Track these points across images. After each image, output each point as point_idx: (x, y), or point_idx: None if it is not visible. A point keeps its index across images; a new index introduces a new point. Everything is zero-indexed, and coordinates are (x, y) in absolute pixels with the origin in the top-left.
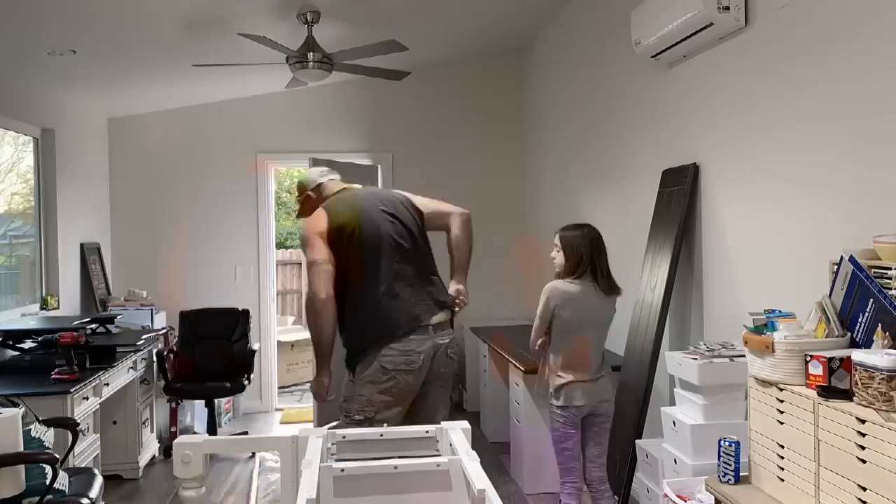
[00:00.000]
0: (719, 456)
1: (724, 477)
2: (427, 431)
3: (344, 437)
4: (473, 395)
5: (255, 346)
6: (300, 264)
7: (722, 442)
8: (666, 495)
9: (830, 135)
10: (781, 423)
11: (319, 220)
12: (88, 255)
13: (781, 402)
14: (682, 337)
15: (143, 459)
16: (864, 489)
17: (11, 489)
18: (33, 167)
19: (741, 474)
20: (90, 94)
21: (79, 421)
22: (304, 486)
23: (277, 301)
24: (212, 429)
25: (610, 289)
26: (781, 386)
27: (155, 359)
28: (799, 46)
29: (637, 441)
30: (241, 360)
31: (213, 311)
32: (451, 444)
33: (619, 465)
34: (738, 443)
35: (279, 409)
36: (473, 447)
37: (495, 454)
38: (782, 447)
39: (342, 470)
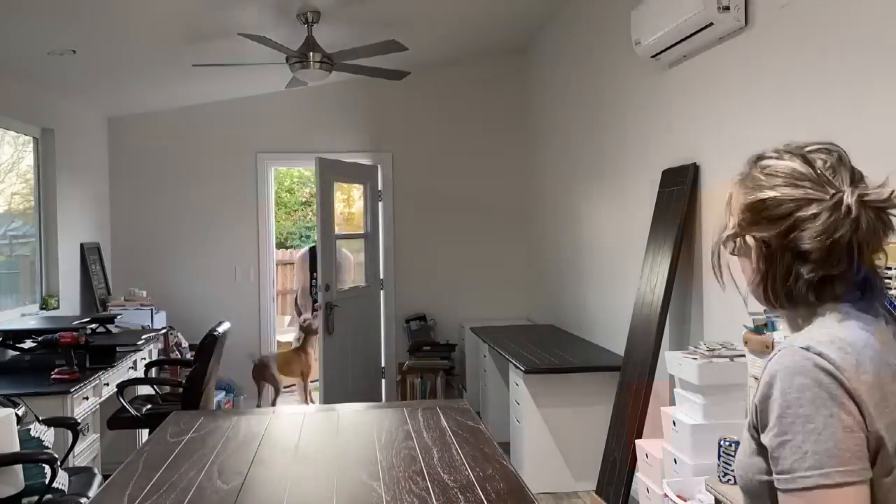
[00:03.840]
0: (719, 456)
1: (724, 477)
2: None
3: None
4: (473, 394)
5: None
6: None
7: (722, 442)
8: (666, 495)
9: (830, 135)
10: None
11: None
12: (88, 255)
13: None
14: (682, 337)
15: None
16: None
17: (10, 489)
18: (33, 167)
19: None
20: (90, 93)
21: (79, 421)
22: None
23: (277, 301)
24: None
25: None
26: None
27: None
28: (799, 46)
29: (637, 441)
30: None
31: None
32: None
33: (619, 465)
34: (738, 443)
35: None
36: None
37: None
38: None
39: None
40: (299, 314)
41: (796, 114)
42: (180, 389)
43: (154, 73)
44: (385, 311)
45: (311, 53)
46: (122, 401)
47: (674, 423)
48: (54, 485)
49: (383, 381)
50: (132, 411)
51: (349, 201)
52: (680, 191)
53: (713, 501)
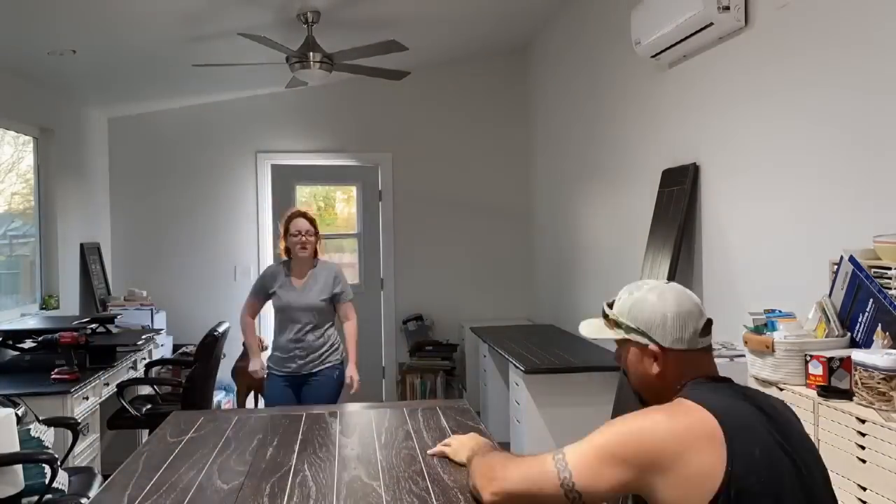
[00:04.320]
0: None
1: None
2: None
3: None
4: (473, 395)
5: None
6: None
7: None
8: None
9: (830, 134)
10: None
11: None
12: (88, 255)
13: None
14: None
15: None
16: (864, 489)
17: (10, 489)
18: (33, 167)
19: None
20: (90, 93)
21: (79, 420)
22: None
23: None
24: None
25: None
26: (781, 386)
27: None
28: (799, 46)
29: None
30: None
31: None
32: None
33: None
34: None
35: None
36: None
37: None
38: None
39: None
40: None
41: (796, 114)
42: (180, 389)
43: (154, 73)
44: (385, 311)
45: (311, 53)
46: (122, 401)
47: None
48: (54, 485)
49: (383, 381)
50: (132, 411)
51: (349, 201)
52: (680, 191)
53: None
